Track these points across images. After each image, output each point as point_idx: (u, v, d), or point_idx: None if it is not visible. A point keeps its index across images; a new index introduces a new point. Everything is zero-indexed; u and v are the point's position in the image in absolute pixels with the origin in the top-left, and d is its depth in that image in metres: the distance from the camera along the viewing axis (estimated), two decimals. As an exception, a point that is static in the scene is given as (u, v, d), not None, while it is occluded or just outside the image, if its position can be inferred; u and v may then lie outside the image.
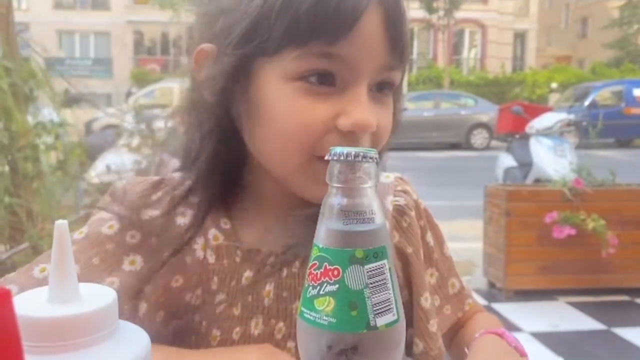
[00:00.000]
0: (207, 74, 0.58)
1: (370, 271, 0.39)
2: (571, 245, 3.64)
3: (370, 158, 0.40)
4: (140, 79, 20.98)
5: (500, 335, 0.63)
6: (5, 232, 2.82)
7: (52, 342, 0.29)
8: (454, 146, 14.02)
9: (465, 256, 4.22)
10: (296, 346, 0.44)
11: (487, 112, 13.73)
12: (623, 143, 13.45)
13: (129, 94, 15.10)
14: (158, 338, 0.57)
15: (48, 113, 3.69)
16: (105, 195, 0.64)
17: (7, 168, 2.96)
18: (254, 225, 0.64)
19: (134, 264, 0.58)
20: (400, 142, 11.65)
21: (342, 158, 0.40)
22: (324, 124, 0.55)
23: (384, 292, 0.40)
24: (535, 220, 3.66)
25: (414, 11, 20.39)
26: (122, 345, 0.31)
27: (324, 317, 0.39)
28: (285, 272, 0.62)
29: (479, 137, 13.97)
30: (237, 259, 0.61)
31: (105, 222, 0.60)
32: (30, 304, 0.30)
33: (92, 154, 4.29)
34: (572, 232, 3.57)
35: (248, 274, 0.61)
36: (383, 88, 0.58)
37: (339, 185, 0.41)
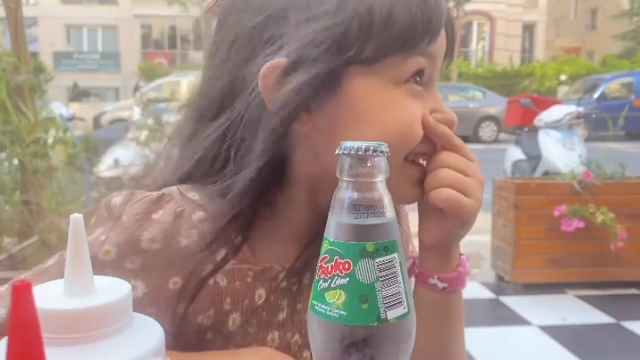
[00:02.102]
0: (278, 90, 0.54)
1: (381, 265, 0.40)
2: (580, 239, 3.62)
3: (381, 152, 0.41)
4: (148, 73, 21.03)
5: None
6: (15, 226, 2.85)
7: (68, 335, 0.30)
8: (462, 139, 13.84)
9: (474, 249, 4.22)
10: (311, 356, 0.44)
11: (496, 105, 13.66)
12: (633, 136, 13.35)
13: (136, 88, 15.15)
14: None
15: (56, 107, 3.72)
16: (102, 208, 0.58)
17: (16, 162, 2.99)
18: (270, 245, 0.61)
19: (135, 290, 0.54)
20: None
21: (352, 152, 0.40)
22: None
23: (394, 286, 0.40)
24: (544, 213, 3.64)
25: (421, 4, 20.30)
26: (137, 338, 0.32)
27: (335, 310, 0.39)
28: (297, 285, 0.61)
29: (488, 130, 13.91)
30: (249, 280, 0.59)
31: (101, 245, 0.54)
32: (46, 297, 0.31)
33: (100, 148, 4.31)
34: (581, 225, 3.55)
35: (261, 291, 0.59)
36: None
37: (350, 180, 0.41)
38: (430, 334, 0.60)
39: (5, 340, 0.24)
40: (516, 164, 5.76)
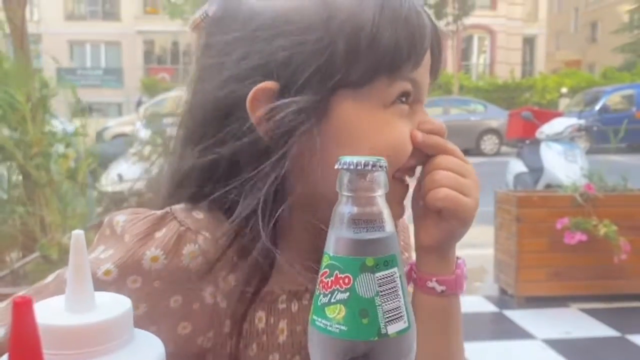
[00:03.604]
0: (268, 113, 0.55)
1: (381, 279, 0.40)
2: (583, 251, 3.61)
3: (380, 167, 0.41)
4: (151, 88, 21.15)
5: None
6: (19, 240, 2.85)
7: (69, 350, 0.30)
8: (464, 152, 13.86)
9: (477, 262, 4.20)
10: None
11: (497, 117, 13.70)
12: (635, 148, 13.34)
13: (139, 103, 15.22)
14: None
15: (59, 122, 3.74)
16: (104, 225, 0.57)
17: (19, 177, 3.00)
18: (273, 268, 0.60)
19: (136, 309, 0.52)
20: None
21: (352, 167, 0.41)
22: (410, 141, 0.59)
23: (394, 300, 0.40)
24: (546, 226, 3.63)
25: (422, 18, 20.43)
26: (138, 353, 0.32)
27: (335, 325, 0.39)
28: (296, 306, 0.61)
29: (489, 143, 13.93)
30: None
31: (102, 263, 0.53)
32: (47, 313, 0.31)
33: (103, 162, 4.32)
34: (584, 238, 3.54)
35: (260, 314, 0.59)
36: None
37: (349, 194, 0.41)
38: (429, 339, 0.59)
39: (5, 356, 0.25)
40: (518, 177, 5.76)
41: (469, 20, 20.11)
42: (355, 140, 0.56)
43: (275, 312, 0.60)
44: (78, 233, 0.31)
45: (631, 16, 25.23)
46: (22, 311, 0.21)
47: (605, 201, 3.65)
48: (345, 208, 0.41)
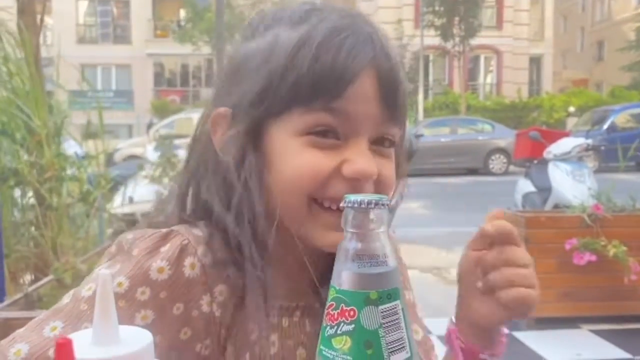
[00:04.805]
0: (223, 135, 0.64)
1: (384, 312, 0.42)
2: (592, 272, 3.59)
3: (382, 205, 0.44)
4: (161, 110, 21.39)
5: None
6: (31, 262, 2.89)
7: (97, 381, 0.33)
8: (472, 171, 13.97)
9: (485, 284, 4.19)
10: None
11: (505, 137, 13.70)
12: (643, 167, 13.27)
13: (149, 125, 15.38)
14: None
15: (71, 145, 3.81)
16: (112, 244, 0.64)
17: (32, 200, 3.05)
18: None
19: (145, 318, 0.59)
20: (418, 168, 11.65)
21: (355, 205, 0.43)
22: (329, 171, 0.61)
23: (397, 331, 0.42)
24: (554, 246, 3.63)
25: (429, 39, 20.59)
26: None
27: (342, 356, 0.42)
28: (287, 322, 0.66)
29: (497, 162, 13.91)
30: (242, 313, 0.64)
31: (113, 278, 0.59)
32: (77, 346, 0.34)
33: (114, 184, 4.37)
34: (593, 258, 3.53)
35: (253, 326, 0.63)
36: (383, 142, 0.64)
37: (354, 231, 0.44)
38: None
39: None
40: (526, 196, 5.76)
41: (475, 41, 20.26)
42: (274, 165, 0.62)
43: (267, 325, 0.64)
44: (105, 274, 0.34)
45: (637, 34, 25.28)
46: (64, 350, 0.24)
47: (613, 221, 3.64)
48: (349, 244, 0.44)
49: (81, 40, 26.49)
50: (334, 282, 0.44)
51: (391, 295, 0.43)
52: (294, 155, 0.61)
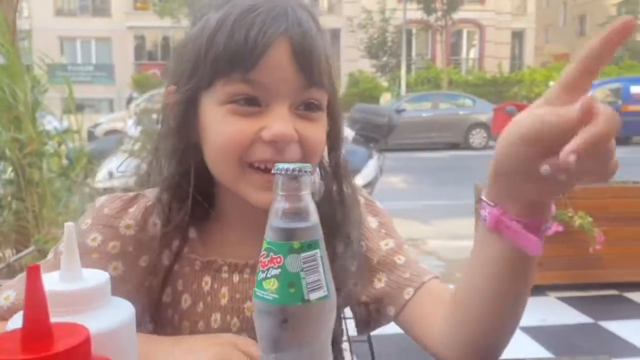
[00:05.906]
0: (168, 105, 0.74)
1: (305, 258, 0.51)
2: (560, 242, 3.74)
3: (306, 172, 0.52)
4: (142, 84, 21.13)
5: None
6: (12, 236, 2.94)
7: (62, 308, 0.42)
8: (453, 146, 14.12)
9: (456, 254, 4.34)
10: (248, 337, 0.59)
11: (486, 112, 13.84)
12: (620, 140, 13.50)
13: (129, 100, 15.24)
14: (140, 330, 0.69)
15: (50, 120, 3.82)
16: (87, 210, 0.74)
17: (13, 174, 3.08)
18: (216, 238, 0.76)
19: (116, 269, 0.70)
20: (399, 142, 11.74)
21: (283, 172, 0.52)
22: (250, 136, 0.68)
23: (315, 274, 0.52)
24: (524, 218, 3.76)
25: (412, 12, 20.55)
26: (114, 312, 0.44)
27: (270, 294, 0.51)
28: (237, 278, 0.75)
29: (478, 137, 14.08)
30: (197, 268, 0.75)
31: (88, 234, 0.71)
32: (48, 282, 0.42)
33: (95, 159, 4.39)
34: (560, 229, 3.67)
35: (207, 279, 0.74)
36: (310, 107, 0.70)
37: (282, 193, 0.53)
38: (510, 291, 0.64)
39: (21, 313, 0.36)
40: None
41: (457, 15, 20.25)
42: (207, 132, 0.70)
43: (219, 279, 0.74)
44: (70, 225, 0.43)
45: (619, 9, 25.45)
46: (34, 274, 0.33)
47: (580, 193, 3.78)
48: (279, 205, 0.53)
49: (59, 12, 25.93)
50: (266, 236, 0.53)
51: (311, 245, 0.52)
52: (219, 123, 0.69)
